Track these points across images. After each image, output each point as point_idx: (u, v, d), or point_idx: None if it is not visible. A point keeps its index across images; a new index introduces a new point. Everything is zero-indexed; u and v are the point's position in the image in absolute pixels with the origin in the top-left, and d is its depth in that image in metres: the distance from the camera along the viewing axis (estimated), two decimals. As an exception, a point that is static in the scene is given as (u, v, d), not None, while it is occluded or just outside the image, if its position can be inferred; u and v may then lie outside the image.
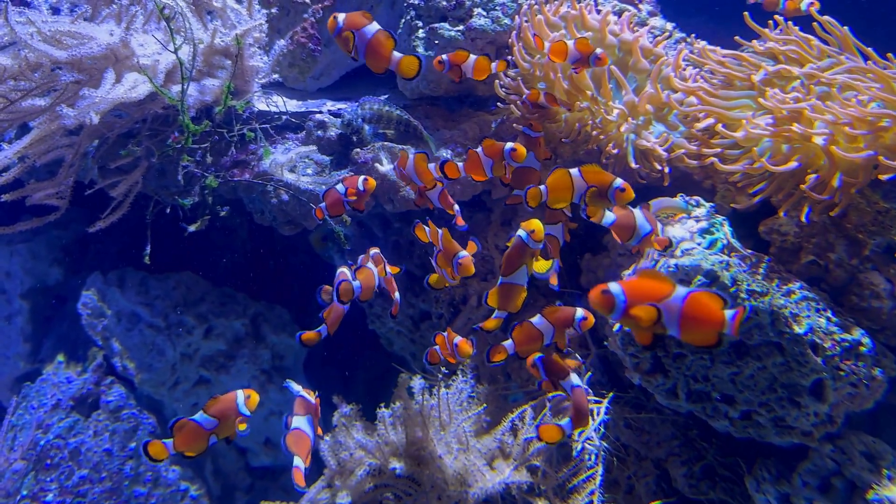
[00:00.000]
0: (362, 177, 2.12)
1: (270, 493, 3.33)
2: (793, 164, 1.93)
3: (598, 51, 2.11)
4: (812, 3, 2.27)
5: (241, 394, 1.80)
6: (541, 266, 1.93)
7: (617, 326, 2.13)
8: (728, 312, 1.36)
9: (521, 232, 1.83)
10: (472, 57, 2.10)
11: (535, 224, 1.82)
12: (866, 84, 1.95)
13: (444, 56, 2.13)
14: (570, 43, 2.12)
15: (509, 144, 2.02)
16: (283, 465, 3.42)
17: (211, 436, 1.78)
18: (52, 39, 2.27)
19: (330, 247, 3.10)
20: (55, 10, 2.51)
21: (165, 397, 3.23)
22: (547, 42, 2.15)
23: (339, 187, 2.14)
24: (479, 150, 2.07)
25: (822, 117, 1.90)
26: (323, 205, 2.16)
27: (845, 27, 2.17)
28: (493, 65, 2.10)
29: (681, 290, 1.38)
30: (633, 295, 1.39)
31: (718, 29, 2.71)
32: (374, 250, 2.14)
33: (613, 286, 1.39)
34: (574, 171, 1.83)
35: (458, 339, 2.00)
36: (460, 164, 2.10)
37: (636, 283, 1.41)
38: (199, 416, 1.77)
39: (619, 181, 1.80)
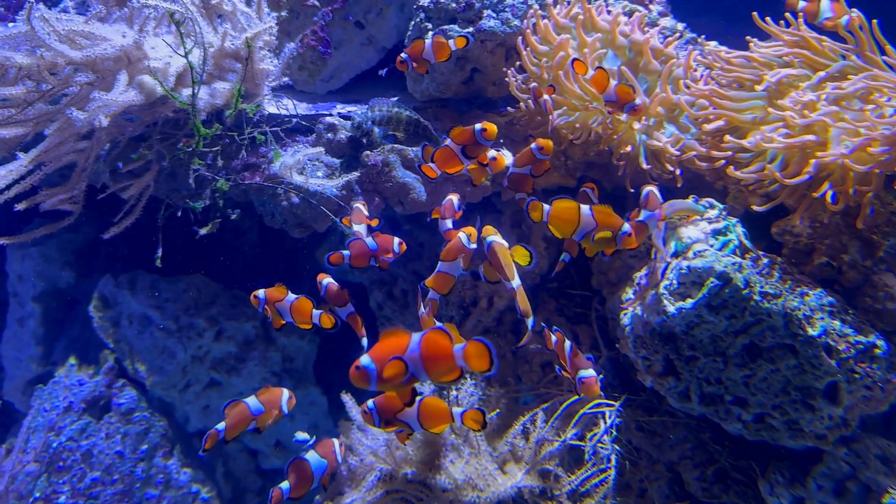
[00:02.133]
0: (397, 240, 2.11)
1: (281, 496, 3.33)
2: (805, 177, 1.91)
3: (638, 101, 2.07)
4: (851, 19, 2.17)
5: (286, 392, 2.06)
6: (520, 256, 1.91)
7: (629, 329, 2.12)
8: (457, 346, 1.40)
9: (487, 239, 1.87)
10: (428, 41, 2.19)
11: (489, 229, 1.90)
12: (879, 84, 1.93)
13: (403, 54, 2.20)
14: (613, 84, 2.08)
15: (479, 125, 2.03)
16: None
17: (252, 421, 1.98)
18: (66, 39, 2.28)
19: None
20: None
21: (177, 400, 3.23)
22: (591, 70, 2.12)
23: (370, 241, 2.11)
24: (447, 142, 2.07)
25: (837, 150, 1.88)
26: (347, 253, 2.11)
27: (875, 20, 2.10)
28: (451, 42, 2.19)
29: (414, 338, 1.42)
30: (380, 359, 1.42)
31: (730, 28, 2.69)
32: (358, 203, 2.23)
33: (364, 359, 1.43)
34: (585, 208, 1.85)
35: None
36: (433, 165, 2.10)
37: (378, 348, 1.45)
38: (250, 399, 2.01)
39: (627, 226, 1.83)
